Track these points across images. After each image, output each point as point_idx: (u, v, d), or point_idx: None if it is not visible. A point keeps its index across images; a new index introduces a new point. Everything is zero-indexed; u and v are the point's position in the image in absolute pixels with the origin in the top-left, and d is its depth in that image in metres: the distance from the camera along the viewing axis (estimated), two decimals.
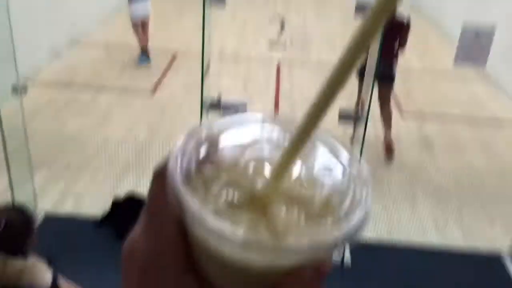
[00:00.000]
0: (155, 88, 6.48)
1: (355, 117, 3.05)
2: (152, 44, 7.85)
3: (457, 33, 3.40)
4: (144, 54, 7.31)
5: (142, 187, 4.29)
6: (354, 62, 0.34)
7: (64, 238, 3.75)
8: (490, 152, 5.43)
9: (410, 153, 5.28)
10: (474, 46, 3.14)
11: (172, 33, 9.10)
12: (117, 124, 5.40)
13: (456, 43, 3.45)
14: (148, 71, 7.07)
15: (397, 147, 5.34)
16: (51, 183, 4.36)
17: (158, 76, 6.91)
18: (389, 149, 5.17)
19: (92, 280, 2.86)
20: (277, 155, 0.36)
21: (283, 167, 0.36)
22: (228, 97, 3.38)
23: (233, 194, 0.36)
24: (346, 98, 6.47)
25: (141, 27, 7.40)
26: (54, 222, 3.94)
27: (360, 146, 3.33)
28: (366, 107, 3.34)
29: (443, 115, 6.35)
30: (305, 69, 7.65)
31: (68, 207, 4.14)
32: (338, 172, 0.39)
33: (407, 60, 6.07)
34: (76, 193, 4.29)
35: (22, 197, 3.71)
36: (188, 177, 0.36)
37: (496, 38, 3.25)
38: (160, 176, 0.39)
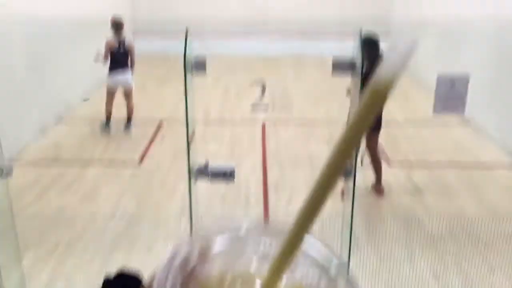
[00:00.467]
0: (142, 158, 6.48)
1: (343, 171, 3.06)
2: (137, 115, 7.94)
3: (434, 83, 3.49)
4: (108, 123, 7.48)
5: (134, 262, 4.18)
6: (339, 170, 0.33)
7: None
8: (479, 196, 5.44)
9: (401, 202, 5.27)
10: (450, 95, 3.22)
11: (157, 103, 9.23)
12: (104, 198, 5.34)
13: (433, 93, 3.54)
14: (134, 142, 7.10)
15: (388, 197, 5.34)
16: (40, 265, 4.23)
17: (144, 145, 6.93)
18: (379, 192, 5.39)
19: None
20: (265, 268, 0.35)
21: (272, 281, 0.35)
22: (216, 162, 3.38)
23: None
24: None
25: (124, 97, 7.54)
26: None
27: (351, 199, 3.32)
28: (353, 159, 3.35)
29: (429, 162, 6.40)
30: (290, 127, 7.75)
31: None
32: (326, 281, 0.38)
33: (389, 112, 6.18)
34: (66, 273, 4.16)
35: (11, 282, 3.58)
36: None
37: (471, 83, 3.35)
38: None
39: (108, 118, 7.51)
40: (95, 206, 5.14)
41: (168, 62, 11.97)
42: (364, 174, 5.63)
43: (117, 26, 7.25)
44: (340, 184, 3.89)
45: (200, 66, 2.67)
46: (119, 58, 7.27)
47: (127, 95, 7.54)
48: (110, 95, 7.45)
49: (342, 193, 5.10)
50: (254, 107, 8.71)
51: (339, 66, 2.69)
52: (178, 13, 14.25)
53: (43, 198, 5.31)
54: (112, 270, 3.91)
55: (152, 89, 10.39)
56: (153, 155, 6.64)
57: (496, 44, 7.19)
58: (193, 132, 3.01)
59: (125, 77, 7.38)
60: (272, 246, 0.37)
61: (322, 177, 0.33)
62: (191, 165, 2.91)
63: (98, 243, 4.45)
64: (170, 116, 8.23)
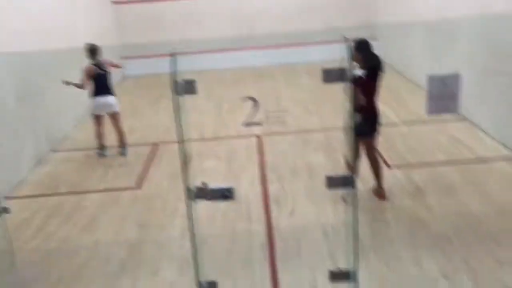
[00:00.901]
0: (139, 183, 6.44)
1: (343, 179, 3.02)
2: (131, 138, 7.92)
3: (424, 81, 3.49)
4: (103, 148, 7.53)
5: (141, 287, 4.13)
6: None
7: None
8: (481, 192, 5.41)
9: (404, 204, 5.24)
10: (443, 94, 3.21)
11: (150, 124, 9.22)
12: (105, 226, 5.28)
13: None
14: (131, 166, 7.06)
15: (389, 200, 5.31)
16: None
17: (142, 169, 6.89)
18: (381, 196, 5.36)
19: None
20: None
21: None
22: (215, 182, 3.35)
23: None
24: (331, 167, 6.49)
25: (112, 123, 7.53)
26: None
27: (354, 206, 3.28)
28: (353, 168, 3.32)
29: (428, 161, 6.39)
30: (285, 137, 7.74)
31: None
32: None
33: (384, 114, 6.16)
34: None
35: None
36: None
37: (463, 80, 3.34)
38: None
39: (101, 143, 7.48)
40: (96, 235, 5.08)
41: (159, 81, 12.03)
42: (365, 178, 5.60)
43: (92, 51, 7.32)
44: (340, 192, 3.85)
45: (189, 88, 2.65)
46: (101, 81, 7.32)
47: (115, 120, 7.53)
48: (97, 119, 7.45)
49: (344, 200, 5.12)
50: (248, 122, 8.70)
51: (329, 74, 2.68)
52: (164, 33, 14.39)
53: (43, 230, 5.25)
54: None
55: (145, 110, 10.39)
56: (151, 177, 6.60)
57: (484, 40, 7.23)
58: (189, 154, 2.98)
59: (108, 101, 7.38)
60: None
61: None
62: (189, 185, 2.88)
63: (101, 273, 4.39)
64: (164, 137, 8.21)
